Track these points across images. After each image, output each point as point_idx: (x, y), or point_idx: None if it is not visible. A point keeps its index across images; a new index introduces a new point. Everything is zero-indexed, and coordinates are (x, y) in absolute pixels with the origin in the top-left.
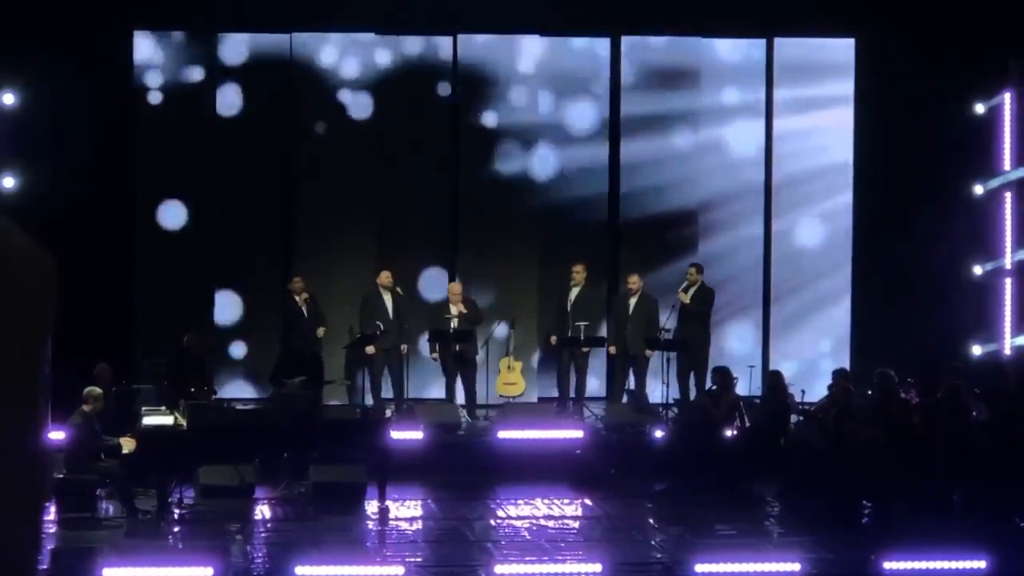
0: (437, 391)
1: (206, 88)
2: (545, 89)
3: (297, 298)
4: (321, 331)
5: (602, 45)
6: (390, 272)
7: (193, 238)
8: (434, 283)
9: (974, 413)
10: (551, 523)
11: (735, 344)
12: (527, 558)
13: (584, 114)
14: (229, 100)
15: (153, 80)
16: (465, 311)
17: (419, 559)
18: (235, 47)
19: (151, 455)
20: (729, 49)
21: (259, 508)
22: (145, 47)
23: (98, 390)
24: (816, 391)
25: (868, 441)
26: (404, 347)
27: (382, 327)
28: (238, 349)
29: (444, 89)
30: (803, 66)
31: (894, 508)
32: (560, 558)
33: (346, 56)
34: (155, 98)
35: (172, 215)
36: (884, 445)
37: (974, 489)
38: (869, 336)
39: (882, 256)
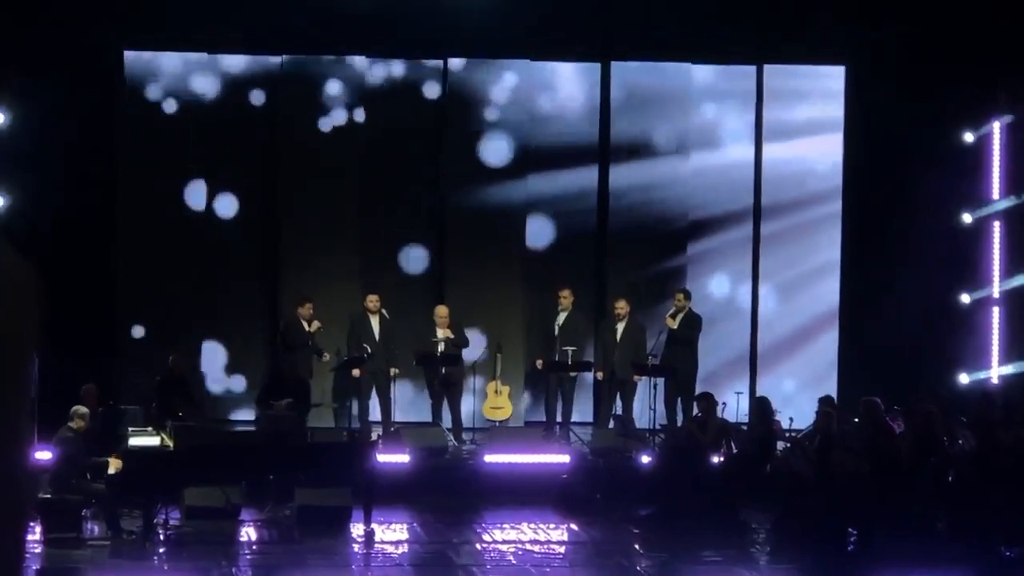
0: (424, 414)
1: (192, 108)
2: (533, 114)
3: (305, 324)
4: (327, 356)
5: (591, 70)
6: (377, 296)
7: (180, 258)
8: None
9: (960, 441)
10: (537, 547)
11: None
12: None
13: (571, 138)
14: (214, 121)
15: (140, 100)
16: (452, 335)
17: None
18: (222, 68)
19: (137, 476)
20: (719, 75)
21: (244, 530)
22: (132, 67)
23: (84, 409)
24: (803, 418)
25: (852, 469)
26: (395, 371)
27: (369, 350)
28: (222, 370)
29: (432, 113)
30: (792, 93)
31: (879, 535)
32: None
33: (333, 79)
34: (142, 118)
35: (159, 236)
36: (868, 473)
37: (959, 517)
38: (856, 363)
39: (870, 283)
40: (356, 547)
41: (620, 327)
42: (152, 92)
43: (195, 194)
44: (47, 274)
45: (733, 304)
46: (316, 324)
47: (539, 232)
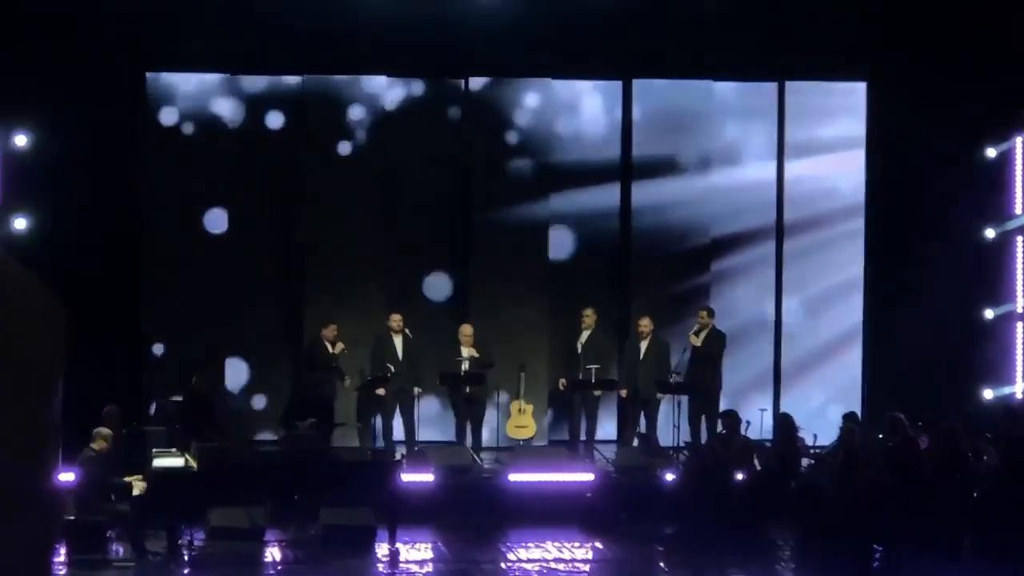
0: (448, 433)
1: (215, 130)
2: (555, 132)
3: (329, 345)
4: (348, 381)
5: (613, 88)
6: (400, 315)
7: (202, 280)
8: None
9: (984, 457)
10: (561, 566)
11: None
12: None
13: (593, 157)
14: (235, 141)
15: (162, 122)
16: (477, 354)
17: None
18: (241, 89)
19: (161, 497)
20: (740, 92)
21: (269, 550)
22: (155, 89)
23: (106, 430)
24: (828, 434)
25: (877, 485)
26: (418, 389)
27: (393, 369)
28: (247, 392)
29: (453, 133)
30: (814, 110)
31: (904, 553)
32: None
33: (352, 98)
34: (164, 140)
35: (181, 257)
36: (893, 490)
37: (984, 533)
38: (880, 379)
39: (894, 299)
40: (381, 567)
41: (644, 345)
42: (172, 113)
43: (216, 214)
44: (69, 295)
45: (757, 321)
46: (340, 346)
47: (562, 251)
